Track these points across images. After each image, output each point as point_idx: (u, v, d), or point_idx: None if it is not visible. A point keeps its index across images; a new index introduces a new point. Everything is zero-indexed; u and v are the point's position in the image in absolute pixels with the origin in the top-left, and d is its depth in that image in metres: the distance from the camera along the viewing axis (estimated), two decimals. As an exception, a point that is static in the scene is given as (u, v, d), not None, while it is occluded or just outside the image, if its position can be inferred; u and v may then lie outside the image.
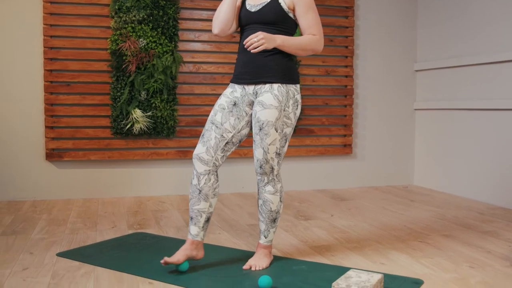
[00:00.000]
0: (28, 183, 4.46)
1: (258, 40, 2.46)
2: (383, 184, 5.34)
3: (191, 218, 2.61)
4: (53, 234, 3.34)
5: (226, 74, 4.80)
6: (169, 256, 2.84)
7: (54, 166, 4.51)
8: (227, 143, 2.59)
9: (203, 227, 2.62)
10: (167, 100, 4.57)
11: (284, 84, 2.54)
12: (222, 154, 2.60)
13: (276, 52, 2.55)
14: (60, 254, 2.87)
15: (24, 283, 2.43)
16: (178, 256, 2.54)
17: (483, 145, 4.46)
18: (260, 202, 2.66)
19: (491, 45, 4.38)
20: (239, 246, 3.08)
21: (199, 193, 2.58)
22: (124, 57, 4.44)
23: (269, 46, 2.48)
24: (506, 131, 4.22)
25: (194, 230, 2.61)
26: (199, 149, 2.58)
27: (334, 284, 2.21)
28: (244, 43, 2.50)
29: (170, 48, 4.54)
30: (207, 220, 2.62)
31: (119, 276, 2.54)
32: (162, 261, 2.50)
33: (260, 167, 2.57)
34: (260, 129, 2.52)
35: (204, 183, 2.57)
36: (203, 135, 2.60)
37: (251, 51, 2.49)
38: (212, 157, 2.57)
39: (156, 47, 4.50)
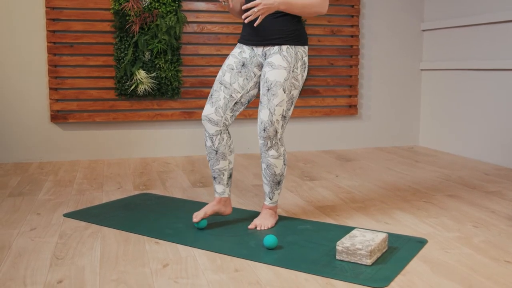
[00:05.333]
0: (33, 145, 4.48)
1: (258, 11, 2.38)
2: (388, 144, 5.34)
3: (214, 178, 2.68)
4: (60, 195, 3.37)
5: (230, 34, 4.74)
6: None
7: (59, 127, 4.52)
8: (236, 103, 2.60)
9: (227, 183, 2.69)
10: (171, 60, 4.54)
11: (293, 46, 2.52)
12: (231, 114, 2.61)
13: (284, 14, 2.51)
14: (67, 215, 2.90)
15: (32, 243, 2.46)
16: (205, 209, 2.64)
17: (490, 106, 4.42)
18: (264, 166, 2.65)
19: (500, 3, 4.30)
20: (244, 206, 3.11)
21: (216, 153, 2.62)
22: (127, 17, 4.39)
23: (269, 12, 2.40)
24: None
25: (219, 188, 2.69)
26: (208, 110, 2.58)
27: (338, 243, 2.23)
28: (243, 17, 2.41)
29: (174, 7, 4.48)
30: (230, 176, 2.71)
31: (126, 236, 2.57)
32: (194, 220, 2.59)
33: (264, 129, 2.53)
34: (268, 90, 2.50)
35: (219, 143, 2.61)
36: (211, 95, 2.60)
37: (254, 24, 2.41)
38: (222, 117, 2.58)
39: (159, 7, 4.44)
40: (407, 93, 5.33)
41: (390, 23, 5.20)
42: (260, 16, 2.40)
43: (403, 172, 4.05)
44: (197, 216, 2.60)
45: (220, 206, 2.70)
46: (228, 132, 2.64)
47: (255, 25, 2.40)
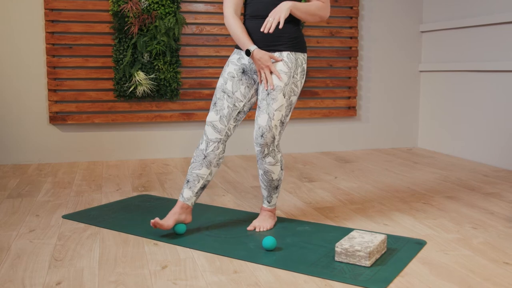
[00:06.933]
0: (32, 147, 4.48)
1: (273, 19, 2.38)
2: (387, 146, 5.34)
3: (188, 181, 2.60)
4: (59, 196, 3.37)
5: (229, 36, 4.74)
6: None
7: (58, 129, 4.52)
8: (239, 112, 2.59)
9: (197, 193, 2.61)
10: (170, 62, 4.54)
11: (293, 52, 2.52)
12: (234, 124, 2.60)
13: (285, 21, 2.52)
14: (66, 216, 2.90)
15: (31, 245, 2.46)
16: (168, 222, 2.53)
17: (488, 107, 4.43)
18: (260, 172, 2.65)
19: (498, 5, 4.30)
20: (243, 208, 3.11)
21: (204, 158, 2.57)
22: (126, 19, 4.39)
23: (284, 16, 2.40)
24: (511, 93, 4.18)
25: (187, 193, 2.60)
26: (213, 117, 2.57)
27: (337, 244, 2.23)
28: (261, 30, 2.41)
29: (173, 9, 4.48)
30: (203, 187, 2.61)
31: (125, 237, 2.57)
32: (152, 221, 2.48)
33: (262, 135, 2.52)
34: (268, 94, 2.49)
35: (212, 150, 2.57)
36: (215, 103, 2.58)
37: (270, 31, 2.41)
38: (225, 126, 2.56)
39: (158, 8, 4.45)
40: (406, 94, 5.33)
41: (389, 24, 5.20)
42: (274, 23, 2.38)
43: (402, 173, 4.06)
44: (156, 225, 2.48)
45: (181, 213, 2.59)
46: (225, 146, 2.61)
47: (271, 31, 2.39)
